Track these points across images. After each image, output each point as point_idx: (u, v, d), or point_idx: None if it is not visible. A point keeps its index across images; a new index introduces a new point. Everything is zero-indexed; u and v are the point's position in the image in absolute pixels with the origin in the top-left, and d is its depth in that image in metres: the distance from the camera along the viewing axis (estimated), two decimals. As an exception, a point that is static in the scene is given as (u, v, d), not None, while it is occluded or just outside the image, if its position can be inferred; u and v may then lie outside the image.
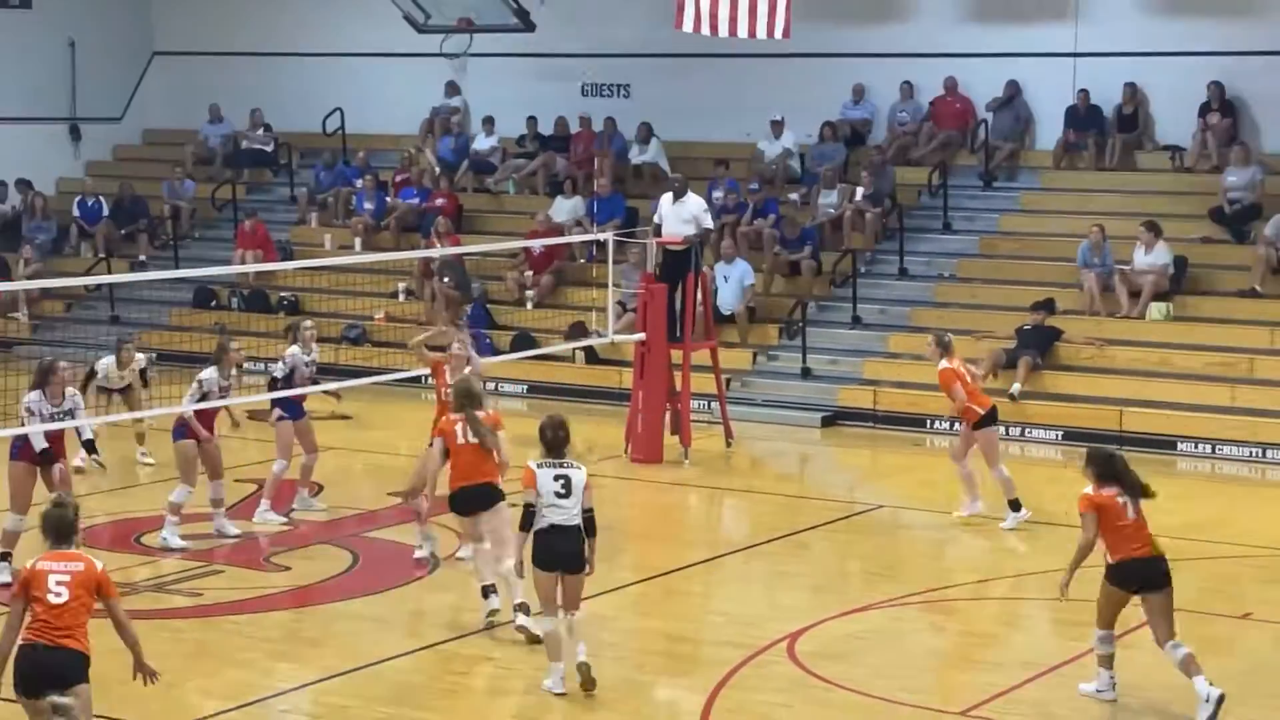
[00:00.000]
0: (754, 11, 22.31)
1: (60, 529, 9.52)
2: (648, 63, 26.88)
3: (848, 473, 20.07)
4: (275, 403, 16.22)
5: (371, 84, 29.03)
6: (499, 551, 12.45)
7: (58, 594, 9.25)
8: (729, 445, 19.86)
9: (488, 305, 24.90)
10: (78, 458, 15.54)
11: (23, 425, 13.77)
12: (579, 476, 11.28)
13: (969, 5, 25.28)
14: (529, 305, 24.77)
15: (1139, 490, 11.19)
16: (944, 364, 16.17)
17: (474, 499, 12.60)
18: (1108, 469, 11.26)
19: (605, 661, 12.13)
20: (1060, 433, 20.56)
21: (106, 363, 18.58)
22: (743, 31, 22.38)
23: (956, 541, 16.00)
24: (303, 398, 16.31)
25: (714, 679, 11.61)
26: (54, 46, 29.96)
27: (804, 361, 22.48)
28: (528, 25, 26.52)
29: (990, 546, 15.79)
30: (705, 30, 22.55)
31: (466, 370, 14.50)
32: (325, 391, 16.87)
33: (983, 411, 16.22)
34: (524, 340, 23.46)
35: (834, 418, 21.55)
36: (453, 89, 28.60)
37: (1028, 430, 20.65)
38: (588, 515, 11.25)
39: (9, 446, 13.86)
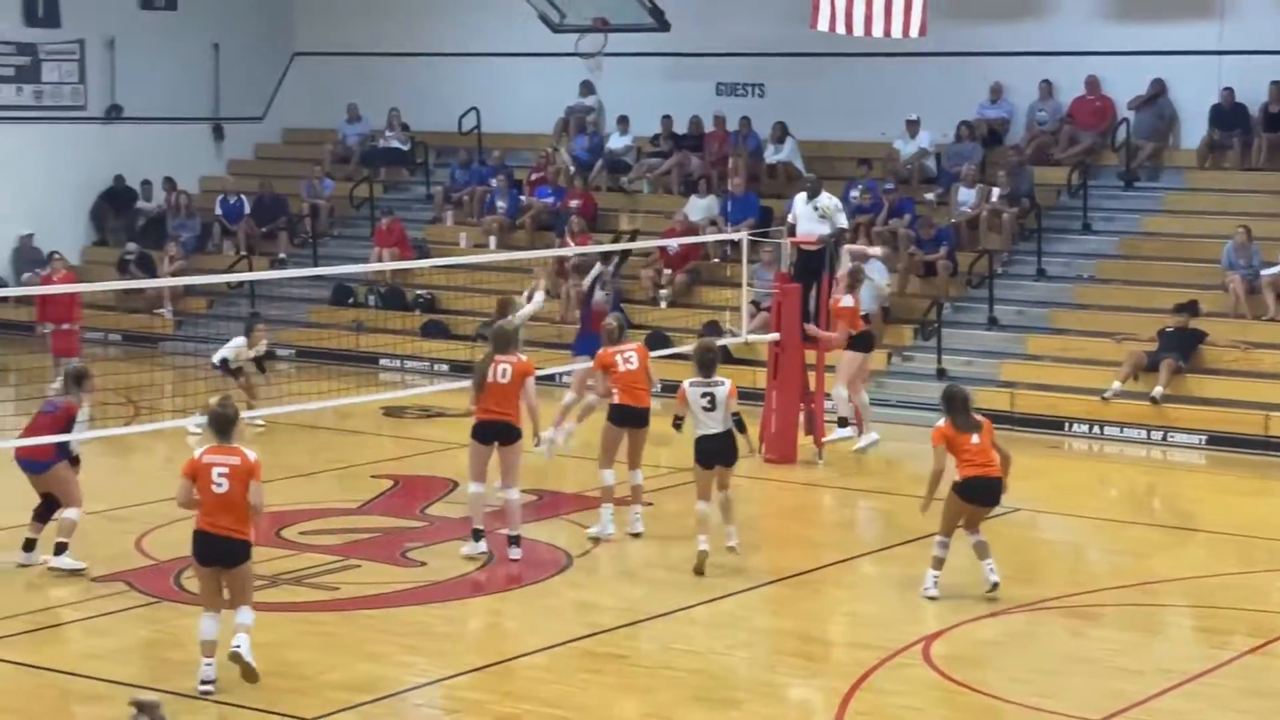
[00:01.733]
0: (889, 10, 22.18)
1: (222, 425, 11.21)
2: (782, 62, 26.79)
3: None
4: None
5: (507, 83, 29.20)
6: (510, 481, 14.25)
7: (219, 485, 10.96)
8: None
9: (622, 304, 24.92)
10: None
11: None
12: (722, 391, 13.83)
13: (1110, 3, 24.94)
14: (663, 304, 24.79)
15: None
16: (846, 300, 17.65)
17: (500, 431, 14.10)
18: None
19: (738, 661, 12.12)
20: (1204, 437, 20.20)
21: (238, 343, 18.96)
22: (878, 30, 22.26)
23: (1095, 545, 15.79)
24: None
25: (848, 680, 11.53)
26: (198, 48, 30.47)
27: (939, 362, 22.29)
28: (662, 25, 26.53)
29: (1130, 550, 15.55)
30: (840, 29, 22.46)
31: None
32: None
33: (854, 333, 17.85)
34: (658, 339, 23.45)
35: (970, 420, 21.32)
36: (587, 88, 28.68)
37: (1170, 435, 20.32)
38: (735, 419, 13.87)
39: (55, 450, 14.02)
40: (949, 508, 13.49)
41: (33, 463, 14.06)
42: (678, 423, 14.15)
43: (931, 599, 13.37)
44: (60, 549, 13.92)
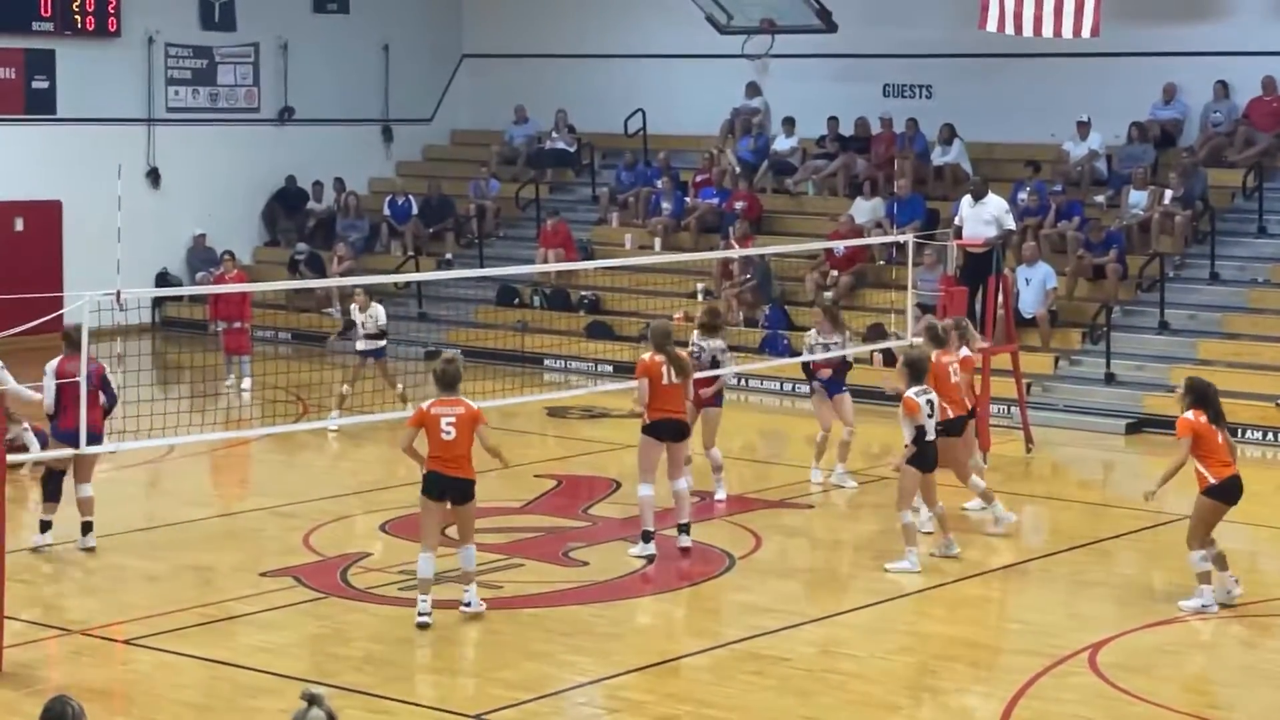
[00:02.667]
0: (1060, 10, 21.92)
1: (447, 379, 12.45)
2: (950, 63, 26.57)
3: (1152, 482, 19.49)
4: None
5: (673, 85, 29.27)
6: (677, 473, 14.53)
7: (447, 432, 12.31)
8: (1029, 451, 19.50)
9: (785, 306, 24.89)
10: None
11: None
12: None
13: (1288, 1, 24.44)
14: (827, 307, 24.64)
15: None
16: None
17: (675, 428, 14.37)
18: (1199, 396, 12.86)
19: (899, 665, 12.04)
20: (1381, 445, 19.73)
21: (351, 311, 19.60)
22: (1048, 31, 22.01)
23: (1270, 554, 15.46)
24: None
25: (1013, 687, 11.41)
26: (369, 50, 30.93)
27: (1108, 367, 21.96)
28: (830, 26, 26.45)
29: (1268, 551, 15.19)
30: (1010, 30, 22.22)
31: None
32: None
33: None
34: (822, 342, 23.35)
35: (1139, 425, 20.98)
36: (753, 90, 28.65)
37: (1346, 442, 19.86)
38: None
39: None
40: (1206, 515, 13.07)
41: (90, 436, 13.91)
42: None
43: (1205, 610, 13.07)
44: (87, 529, 14.42)
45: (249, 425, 20.73)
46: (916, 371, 14.35)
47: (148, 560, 14.11)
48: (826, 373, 17.35)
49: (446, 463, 12.37)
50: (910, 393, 14.15)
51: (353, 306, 20.68)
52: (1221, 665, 12.15)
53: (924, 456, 14.25)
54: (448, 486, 12.48)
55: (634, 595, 13.82)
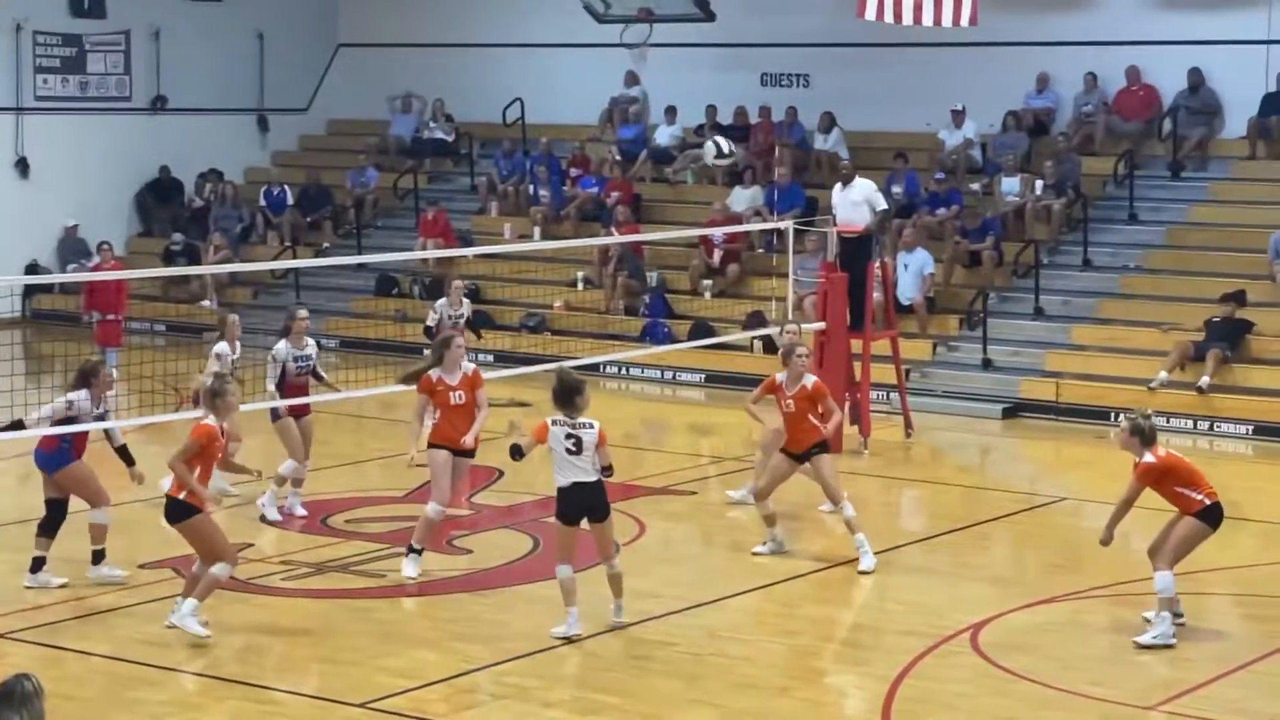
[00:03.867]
0: (939, 0, 22.08)
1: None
2: (828, 52, 26.75)
3: (1029, 465, 19.80)
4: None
5: (551, 74, 29.23)
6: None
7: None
8: (909, 436, 19.70)
9: (665, 295, 24.94)
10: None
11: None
12: (590, 436, 11.86)
13: (1156, -8, 24.85)
14: (707, 295, 24.77)
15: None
16: (1148, 457, 12.39)
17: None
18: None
19: (785, 648, 12.10)
20: (1250, 427, 20.12)
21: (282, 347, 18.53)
22: (927, 20, 22.20)
23: (1142, 535, 15.65)
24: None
25: (896, 667, 11.51)
26: (243, 39, 30.61)
27: (985, 352, 22.23)
28: (708, 15, 26.53)
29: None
30: (889, 18, 22.37)
31: None
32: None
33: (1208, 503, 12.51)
34: (701, 330, 23.46)
35: (1015, 409, 21.26)
36: (632, 79, 28.67)
37: (1216, 424, 20.22)
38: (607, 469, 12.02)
39: (58, 450, 13.23)
40: (1196, 537, 12.29)
41: (48, 457, 13.22)
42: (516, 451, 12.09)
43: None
44: (98, 557, 13.31)
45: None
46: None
47: (22, 554, 13.85)
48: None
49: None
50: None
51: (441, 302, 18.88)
52: (1098, 643, 12.31)
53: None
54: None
55: (519, 582, 13.78)
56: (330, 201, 29.02)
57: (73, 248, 28.30)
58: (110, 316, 22.71)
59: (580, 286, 25.92)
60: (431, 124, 29.92)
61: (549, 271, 25.50)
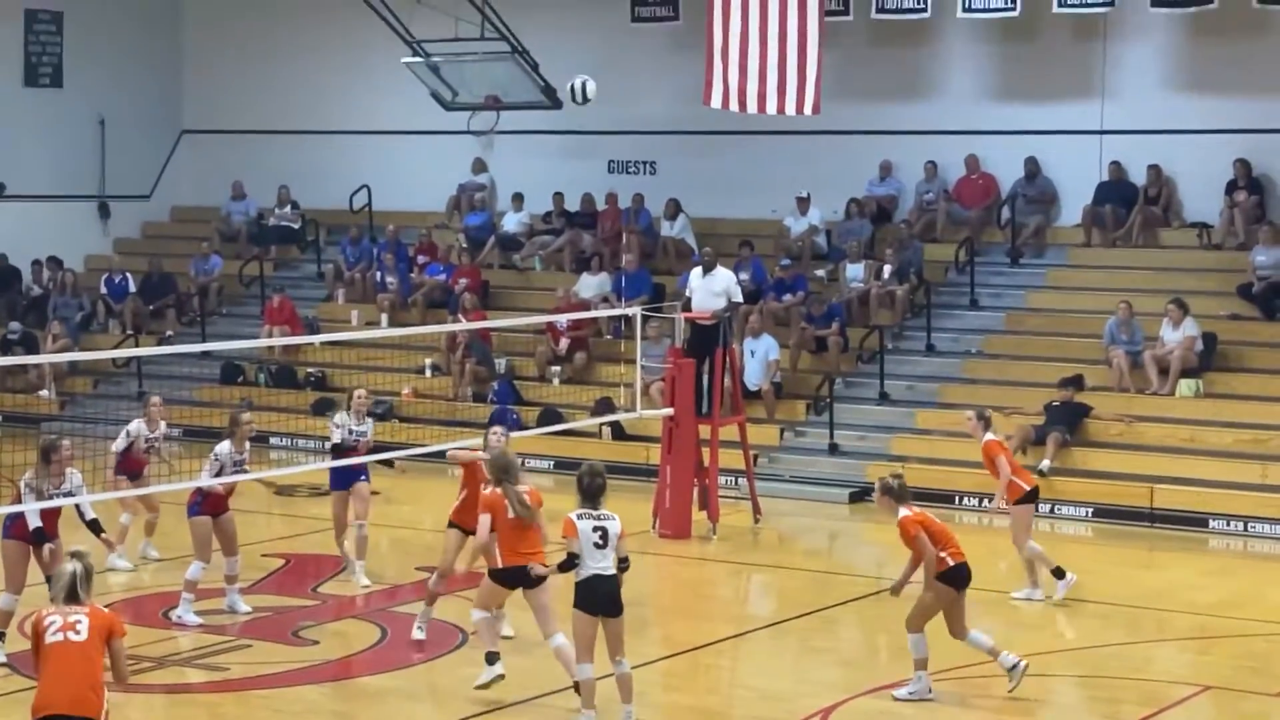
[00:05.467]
0: (782, 88, 22.38)
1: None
2: (674, 139, 26.99)
3: (876, 549, 19.92)
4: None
5: (398, 161, 29.20)
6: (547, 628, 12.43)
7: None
8: (757, 521, 19.78)
9: (514, 381, 24.92)
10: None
11: (16, 503, 13.48)
12: (615, 527, 11.69)
13: (993, 84, 25.37)
14: (555, 381, 24.79)
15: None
16: (989, 437, 16.20)
17: (519, 575, 12.44)
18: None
19: (636, 736, 12.05)
20: (1090, 509, 20.46)
21: (137, 425, 18.18)
22: (771, 108, 22.43)
23: (985, 617, 15.85)
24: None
25: (746, 754, 11.51)
26: (84, 125, 30.21)
27: (831, 437, 22.42)
28: (554, 103, 26.66)
29: (1017, 621, 15.66)
30: (734, 106, 22.60)
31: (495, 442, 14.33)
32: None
33: (1027, 488, 16.13)
34: (550, 416, 23.46)
35: (862, 494, 21.43)
36: (479, 165, 28.74)
37: (1057, 507, 20.51)
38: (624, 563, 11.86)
39: (0, 523, 13.51)
40: (940, 599, 12.94)
41: None
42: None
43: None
44: None
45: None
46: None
47: None
48: None
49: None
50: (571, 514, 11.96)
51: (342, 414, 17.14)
52: (946, 725, 12.42)
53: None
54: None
55: (366, 674, 13.62)
56: (174, 289, 28.68)
57: (-93, 336, 27.69)
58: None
59: (428, 373, 25.82)
60: (277, 210, 29.73)
61: (397, 359, 25.36)
